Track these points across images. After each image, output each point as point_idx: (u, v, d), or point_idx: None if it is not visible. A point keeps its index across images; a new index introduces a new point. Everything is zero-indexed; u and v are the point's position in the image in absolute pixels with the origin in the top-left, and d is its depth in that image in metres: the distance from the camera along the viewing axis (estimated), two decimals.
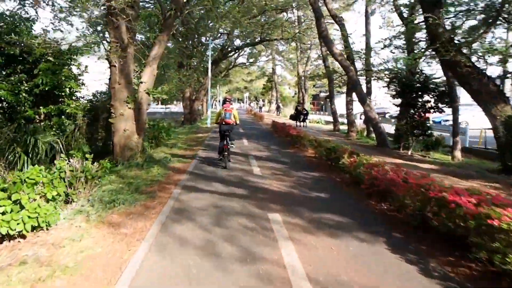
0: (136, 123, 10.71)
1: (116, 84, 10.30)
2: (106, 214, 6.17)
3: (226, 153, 10.39)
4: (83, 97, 14.68)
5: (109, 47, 10.28)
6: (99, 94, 15.24)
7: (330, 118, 37.75)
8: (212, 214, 6.14)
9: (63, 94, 9.63)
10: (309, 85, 40.72)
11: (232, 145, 10.88)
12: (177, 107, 58.07)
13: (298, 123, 26.42)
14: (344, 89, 30.13)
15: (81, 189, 7.04)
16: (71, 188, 6.91)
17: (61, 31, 9.15)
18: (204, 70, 27.90)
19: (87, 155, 7.54)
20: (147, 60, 11.04)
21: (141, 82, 10.89)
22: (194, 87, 28.21)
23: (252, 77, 64.62)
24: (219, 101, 65.93)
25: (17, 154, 7.84)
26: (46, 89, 9.05)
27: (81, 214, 6.14)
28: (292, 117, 27.97)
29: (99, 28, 12.44)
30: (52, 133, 9.12)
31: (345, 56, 18.37)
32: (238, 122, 10.83)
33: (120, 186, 7.98)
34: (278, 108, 49.23)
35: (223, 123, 10.43)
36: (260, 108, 56.78)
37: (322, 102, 64.80)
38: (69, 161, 7.22)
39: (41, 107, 9.56)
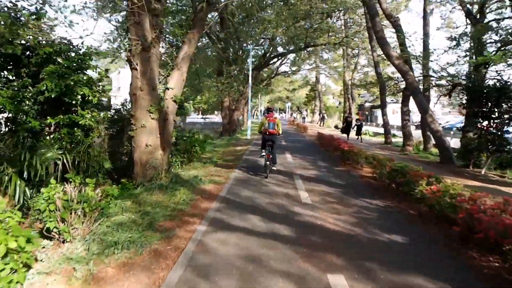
0: (160, 136, 9.06)
1: (137, 91, 8.72)
2: (99, 266, 4.43)
3: (268, 162, 10.20)
4: (111, 106, 13.41)
5: (130, 46, 8.73)
6: (128, 103, 13.91)
7: (377, 129, 35.15)
8: (244, 275, 4.21)
9: (73, 102, 8.12)
10: (356, 94, 38.11)
11: (274, 167, 10.72)
12: (217, 117, 56.99)
13: (355, 136, 23.31)
14: (395, 98, 27.57)
15: (78, 224, 5.38)
16: (64, 223, 5.29)
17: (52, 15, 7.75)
18: (244, 78, 26.32)
19: (88, 180, 5.89)
20: (175, 62, 9.41)
21: (168, 88, 9.27)
22: (234, 96, 26.63)
23: (294, 86, 62.73)
24: (261, 111, 64.48)
25: (7, 176, 6.37)
26: (52, 96, 7.57)
27: (68, 264, 4.47)
28: (342, 130, 24.29)
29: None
30: (56, 147, 7.59)
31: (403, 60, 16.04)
32: (281, 132, 10.70)
33: (133, 217, 6.27)
34: (322, 118, 46.79)
35: (267, 133, 10.34)
36: (304, 118, 54.55)
37: (367, 112, 61.71)
38: (65, 187, 5.63)
39: (48, 117, 8.10)
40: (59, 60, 8.16)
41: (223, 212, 6.64)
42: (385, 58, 24.16)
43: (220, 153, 16.34)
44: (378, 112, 48.58)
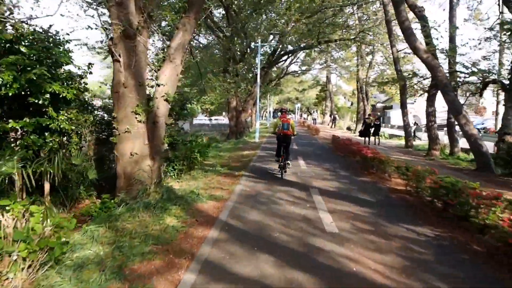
0: (149, 143, 7.40)
1: (120, 87, 7.07)
2: None
3: (282, 163, 10.20)
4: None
5: (111, 33, 7.12)
6: None
7: (392, 131, 33.12)
8: None
9: (40, 102, 6.50)
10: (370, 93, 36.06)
11: (289, 164, 10.55)
12: (225, 118, 55.33)
13: (370, 139, 21.30)
14: (412, 98, 25.64)
15: (15, 272, 3.76)
16: None
17: None
18: (252, 77, 24.63)
19: (33, 208, 4.26)
20: (167, 52, 7.74)
21: (158, 85, 7.61)
22: (241, 96, 24.93)
23: (304, 86, 60.81)
24: (269, 112, 62.65)
25: None
26: (10, 93, 5.98)
27: None
28: (361, 133, 21.94)
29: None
30: (15, 157, 5.98)
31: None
32: (295, 133, 10.63)
33: (101, 253, 4.65)
34: (334, 119, 44.77)
35: (281, 134, 10.30)
36: (314, 120, 52.61)
37: (379, 113, 59.64)
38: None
39: (10, 121, 6.51)
40: (23, 49, 6.55)
41: (221, 248, 4.93)
42: (405, 53, 22.33)
43: (225, 158, 14.66)
44: (391, 113, 46.62)
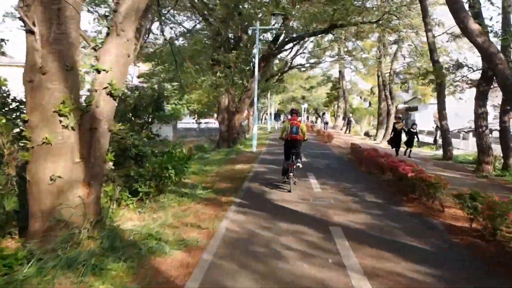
0: (82, 160, 5.52)
1: (35, 74, 5.18)
2: None
3: (291, 173, 10.09)
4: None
5: None
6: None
7: (420, 137, 31.51)
8: None
9: None
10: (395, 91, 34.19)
11: (299, 164, 10.53)
12: (216, 121, 53.46)
13: (399, 150, 19.57)
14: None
15: None
16: None
17: None
18: (249, 70, 22.82)
19: None
20: (114, 21, 5.87)
21: (99, 71, 5.73)
22: (235, 93, 23.10)
23: (312, 83, 59.11)
24: (270, 114, 60.89)
25: None
26: None
27: None
28: (390, 141, 19.95)
29: None
30: None
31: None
32: (305, 138, 10.76)
33: None
34: (349, 123, 42.79)
35: (289, 139, 10.33)
36: (326, 123, 50.79)
37: (401, 116, 58.04)
38: None
39: None
40: None
41: None
42: (452, 35, 20.60)
43: (211, 175, 12.76)
44: (416, 115, 44.97)
